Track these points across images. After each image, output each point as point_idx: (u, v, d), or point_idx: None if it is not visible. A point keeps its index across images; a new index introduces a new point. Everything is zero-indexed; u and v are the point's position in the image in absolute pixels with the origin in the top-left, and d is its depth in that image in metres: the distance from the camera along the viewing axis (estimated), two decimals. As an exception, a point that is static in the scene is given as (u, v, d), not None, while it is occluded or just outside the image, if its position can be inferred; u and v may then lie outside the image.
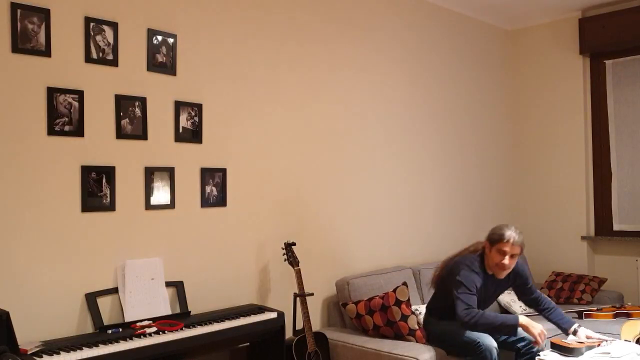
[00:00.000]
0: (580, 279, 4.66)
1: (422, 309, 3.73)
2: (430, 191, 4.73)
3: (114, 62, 2.91)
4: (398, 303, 3.42)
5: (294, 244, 3.44)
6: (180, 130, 3.16)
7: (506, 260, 3.14)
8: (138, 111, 2.99)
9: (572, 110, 5.21)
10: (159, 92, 3.08)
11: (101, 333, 2.66)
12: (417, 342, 3.36)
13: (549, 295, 4.64)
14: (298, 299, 3.37)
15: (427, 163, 4.70)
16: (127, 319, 2.79)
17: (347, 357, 3.39)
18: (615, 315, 3.99)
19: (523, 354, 3.24)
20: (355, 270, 4.05)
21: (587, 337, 3.11)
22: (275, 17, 3.65)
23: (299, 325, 3.48)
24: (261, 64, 3.56)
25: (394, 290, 3.48)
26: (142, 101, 3.00)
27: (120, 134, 2.92)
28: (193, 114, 3.21)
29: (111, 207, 2.87)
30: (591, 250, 5.12)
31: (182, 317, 2.96)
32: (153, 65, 3.06)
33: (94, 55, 2.84)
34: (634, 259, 4.85)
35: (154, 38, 3.06)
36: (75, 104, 2.76)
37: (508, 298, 4.40)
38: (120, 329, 2.69)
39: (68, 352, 2.37)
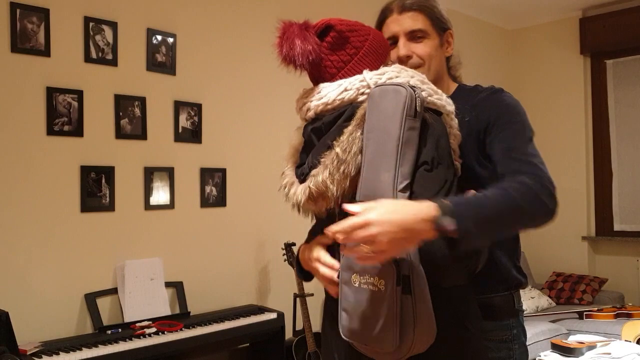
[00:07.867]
0: (580, 279, 4.65)
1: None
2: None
3: (114, 62, 2.90)
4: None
5: (293, 244, 3.43)
6: (180, 130, 3.15)
7: (402, 49, 1.57)
8: (137, 111, 2.98)
9: (572, 110, 5.19)
10: (159, 92, 3.08)
11: (100, 333, 2.65)
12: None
13: (549, 296, 4.63)
14: (298, 299, 3.36)
15: (427, 163, 4.68)
16: (127, 319, 2.78)
17: (347, 358, 3.38)
18: (616, 316, 3.98)
19: None
20: (355, 271, 4.03)
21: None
22: (276, 16, 3.64)
23: (299, 326, 3.47)
24: (261, 63, 3.55)
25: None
26: (142, 101, 3.00)
27: (120, 133, 2.91)
28: (192, 113, 3.21)
29: (110, 207, 2.87)
30: (592, 251, 5.11)
31: (181, 317, 2.95)
32: (152, 65, 3.05)
33: (94, 55, 2.83)
34: (635, 259, 4.84)
35: (154, 38, 3.06)
36: (75, 103, 2.76)
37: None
38: (120, 330, 2.68)
39: (67, 352, 2.37)
